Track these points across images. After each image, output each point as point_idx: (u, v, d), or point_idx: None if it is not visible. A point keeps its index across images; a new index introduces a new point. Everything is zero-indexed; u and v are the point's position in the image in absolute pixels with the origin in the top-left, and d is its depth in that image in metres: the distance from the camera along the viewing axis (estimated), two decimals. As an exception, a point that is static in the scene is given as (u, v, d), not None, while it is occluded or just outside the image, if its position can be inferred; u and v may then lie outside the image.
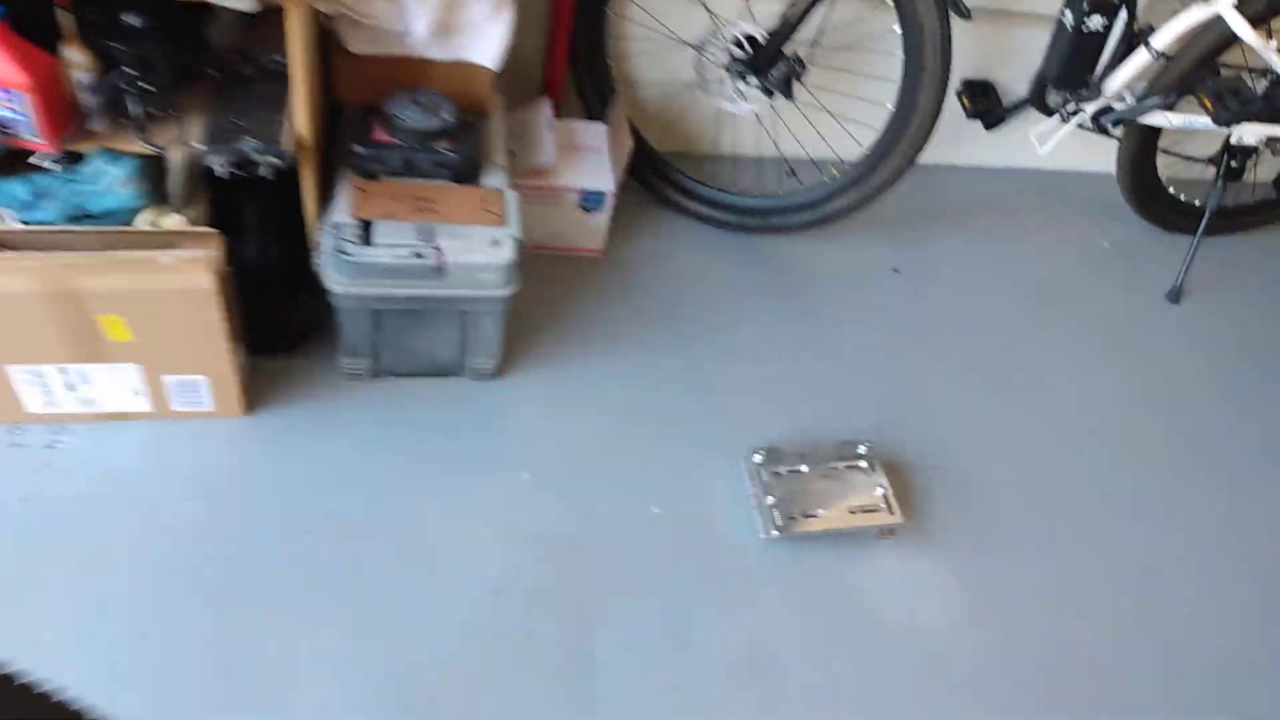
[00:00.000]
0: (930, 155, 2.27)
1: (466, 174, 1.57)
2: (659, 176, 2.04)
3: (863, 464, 1.61)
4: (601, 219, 1.87)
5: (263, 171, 1.39)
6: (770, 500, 1.54)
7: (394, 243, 1.46)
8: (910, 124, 1.76)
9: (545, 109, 1.88)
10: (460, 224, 1.51)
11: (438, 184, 1.55)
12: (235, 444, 1.53)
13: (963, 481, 1.68)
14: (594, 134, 1.92)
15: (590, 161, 1.86)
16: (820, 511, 1.54)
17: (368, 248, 1.45)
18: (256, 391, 1.60)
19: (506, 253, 1.49)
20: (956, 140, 2.28)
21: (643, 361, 1.77)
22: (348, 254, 1.44)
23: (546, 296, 1.85)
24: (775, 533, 1.51)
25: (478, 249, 1.48)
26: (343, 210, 1.49)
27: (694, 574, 1.49)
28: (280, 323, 1.62)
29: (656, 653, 1.39)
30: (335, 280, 1.47)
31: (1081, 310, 2.06)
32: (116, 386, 1.46)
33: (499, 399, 1.66)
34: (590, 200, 1.83)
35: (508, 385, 1.69)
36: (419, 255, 1.45)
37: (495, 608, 1.40)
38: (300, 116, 1.41)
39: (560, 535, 1.50)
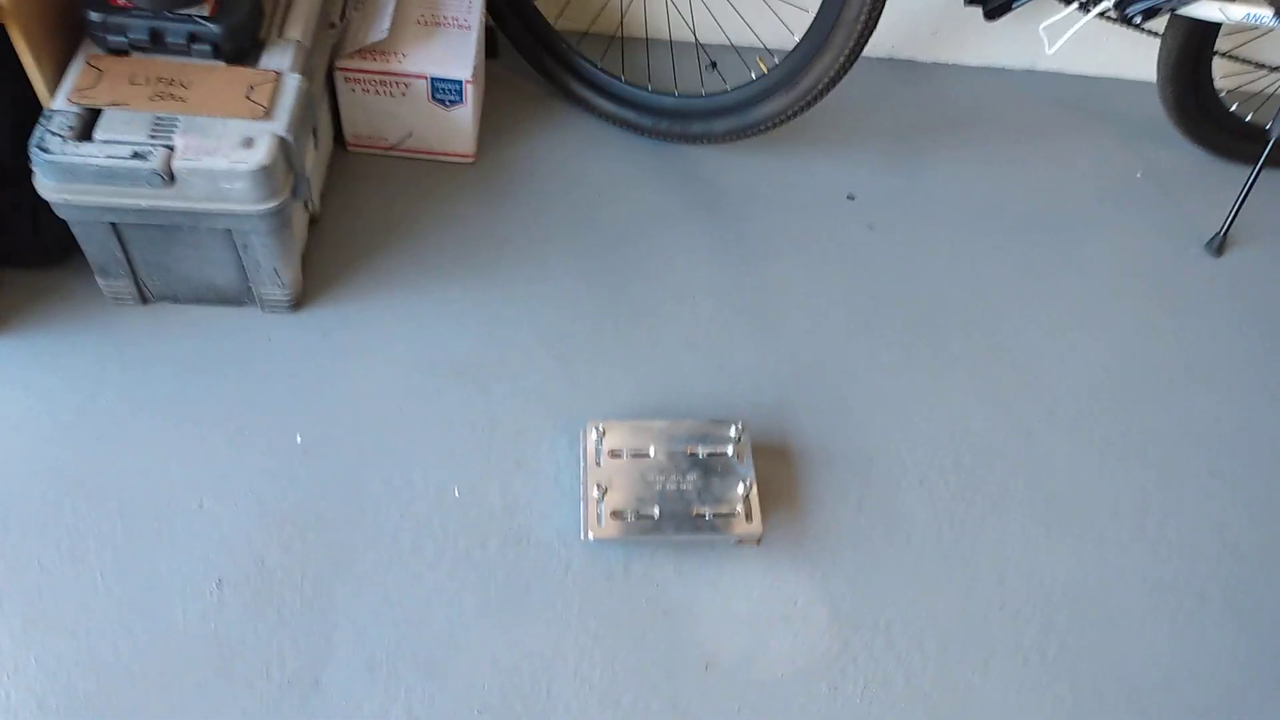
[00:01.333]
0: (924, 50, 1.83)
1: (235, 51, 1.22)
2: (558, 62, 1.65)
3: (728, 450, 1.25)
4: (464, 114, 1.51)
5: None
6: (596, 491, 1.20)
7: (113, 139, 1.14)
8: (847, 6, 1.33)
9: (395, -28, 1.50)
10: (210, 116, 1.17)
11: (199, 64, 1.22)
12: (-46, 377, 1.27)
13: (868, 477, 1.31)
14: (466, 7, 1.54)
15: (451, 41, 1.49)
16: (657, 511, 1.20)
17: (80, 144, 1.14)
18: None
19: (259, 156, 1.15)
20: (959, 32, 1.81)
21: (492, 298, 1.43)
22: (49, 151, 1.13)
23: (387, 212, 1.51)
24: (590, 535, 1.17)
25: (223, 150, 1.15)
26: (65, 95, 1.17)
27: (482, 581, 1.17)
28: (29, 229, 1.32)
29: (399, 682, 1.09)
30: (42, 184, 1.16)
31: (1086, 259, 1.61)
32: None
33: (292, 339, 1.35)
34: (443, 90, 1.47)
35: (309, 321, 1.37)
36: (139, 156, 1.13)
37: (213, 602, 1.12)
38: (-17, -35, 1.08)
39: (323, 517, 1.20)
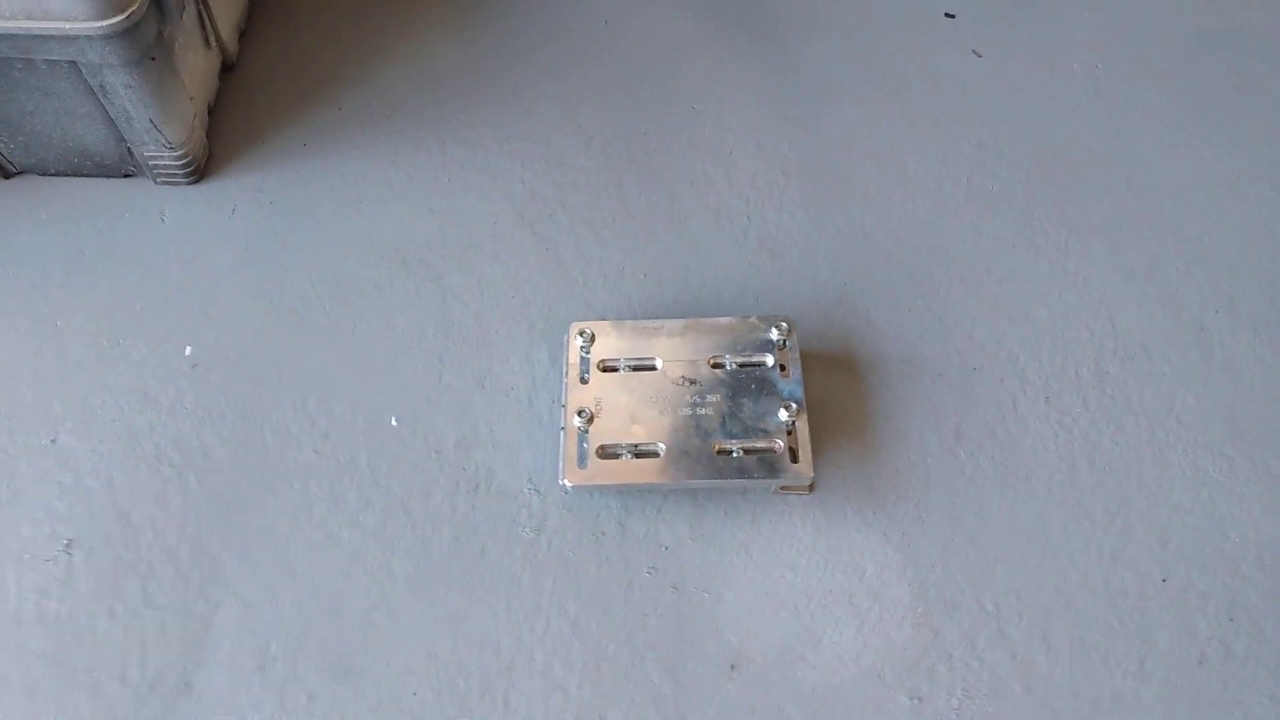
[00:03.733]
0: None
1: None
2: None
3: (768, 360, 0.89)
4: (424, -81, 1.13)
5: None
6: (578, 420, 0.85)
7: (-122, -72, 0.81)
8: None
9: None
10: (20, -104, 0.83)
11: None
12: None
13: (970, 394, 0.93)
14: None
15: None
16: (662, 447, 0.84)
17: None
18: None
19: (83, -52, 0.80)
20: None
21: (459, 161, 1.07)
22: None
23: (325, 53, 1.16)
24: (568, 481, 0.83)
25: (33, -59, 0.81)
26: None
27: (421, 543, 0.85)
28: None
29: (299, 685, 0.78)
30: None
31: (1271, 98, 1.16)
32: None
33: (189, 218, 1.03)
34: (388, -118, 1.09)
35: (214, 195, 1.04)
36: (-92, -50, 0.80)
37: (59, 572, 0.82)
38: None
39: (211, 455, 0.88)
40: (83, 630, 0.80)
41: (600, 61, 1.16)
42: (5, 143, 1.00)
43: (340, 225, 1.02)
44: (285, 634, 0.80)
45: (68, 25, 0.84)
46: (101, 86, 0.91)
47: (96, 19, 0.84)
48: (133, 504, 0.86)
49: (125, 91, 0.91)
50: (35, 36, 0.85)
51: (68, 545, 0.84)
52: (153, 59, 0.91)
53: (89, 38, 0.85)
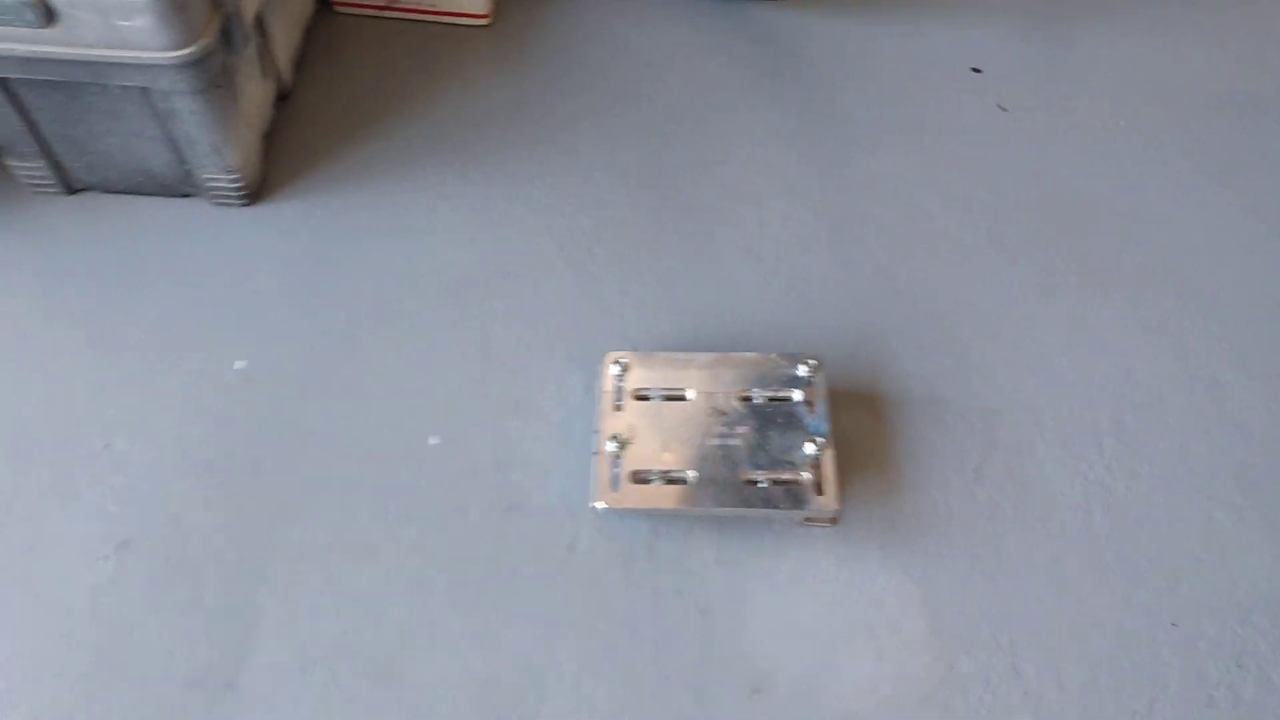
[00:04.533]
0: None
1: None
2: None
3: (796, 395, 0.92)
4: (477, -38, 1.19)
5: None
6: (612, 445, 0.89)
7: (-24, -41, 0.86)
8: None
9: None
10: (108, -67, 0.88)
11: None
12: None
13: (990, 437, 0.96)
14: None
15: None
16: (691, 474, 0.88)
17: (-64, -34, 0.86)
18: (-99, 201, 1.08)
19: (166, -17, 0.85)
20: None
21: (502, 195, 1.12)
22: (-107, -26, 0.85)
23: (377, 85, 1.21)
24: (600, 503, 0.87)
25: (119, -23, 0.86)
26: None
27: (458, 560, 0.88)
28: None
29: (339, 688, 0.81)
30: (-106, 22, 0.89)
31: (1295, 152, 1.20)
32: None
33: (243, 239, 1.07)
34: (446, -73, 1.15)
35: (268, 218, 1.09)
36: (6, -18, 0.85)
37: (110, 572, 0.86)
38: None
39: (260, 465, 0.92)
40: (132, 626, 0.84)
41: (640, 103, 1.20)
42: (75, 161, 1.05)
43: (386, 252, 1.06)
44: (326, 640, 0.84)
45: (144, 54, 0.89)
46: (169, 112, 0.96)
47: (170, 49, 0.89)
48: (183, 509, 0.89)
49: (190, 117, 0.96)
50: (113, 64, 0.90)
51: (121, 545, 0.87)
52: (218, 87, 0.96)
53: (162, 66, 0.90)
